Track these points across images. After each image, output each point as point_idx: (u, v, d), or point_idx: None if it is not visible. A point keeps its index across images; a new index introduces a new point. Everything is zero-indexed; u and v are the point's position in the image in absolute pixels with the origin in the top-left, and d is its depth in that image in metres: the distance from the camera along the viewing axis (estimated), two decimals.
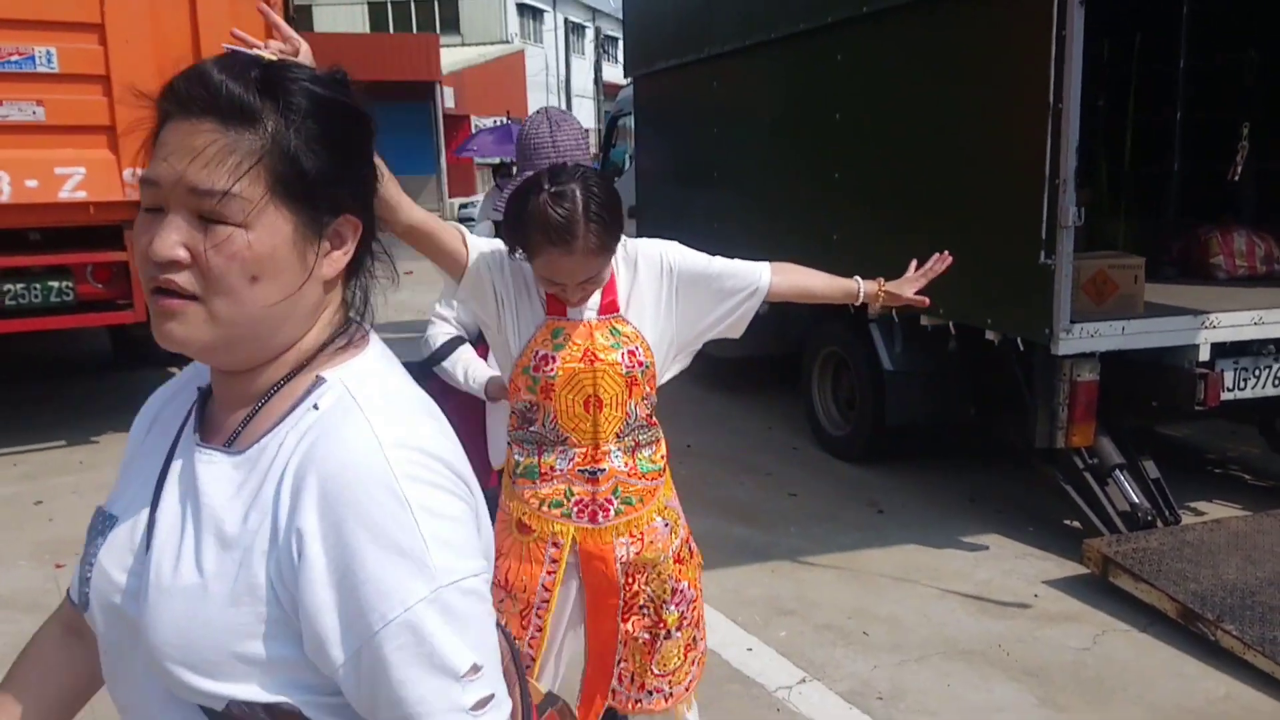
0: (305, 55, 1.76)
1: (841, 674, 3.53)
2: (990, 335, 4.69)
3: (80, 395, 7.64)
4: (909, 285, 2.39)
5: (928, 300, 2.42)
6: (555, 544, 2.13)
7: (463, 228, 2.12)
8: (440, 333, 2.93)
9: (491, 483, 2.69)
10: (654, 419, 2.21)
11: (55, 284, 6.02)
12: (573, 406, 2.07)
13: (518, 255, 2.06)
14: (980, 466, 5.71)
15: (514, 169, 2.69)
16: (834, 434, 6.14)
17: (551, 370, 2.05)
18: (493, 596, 2.15)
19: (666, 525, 2.23)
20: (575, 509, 2.12)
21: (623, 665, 2.23)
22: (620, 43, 11.35)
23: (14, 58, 5.80)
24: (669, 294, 2.17)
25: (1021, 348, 4.58)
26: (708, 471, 5.71)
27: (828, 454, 6.06)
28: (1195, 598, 3.74)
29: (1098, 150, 7.25)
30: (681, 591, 2.25)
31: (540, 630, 2.15)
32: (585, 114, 38.89)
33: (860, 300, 2.37)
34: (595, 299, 2.11)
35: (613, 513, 2.13)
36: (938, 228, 4.86)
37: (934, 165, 4.91)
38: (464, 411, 2.84)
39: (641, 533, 2.17)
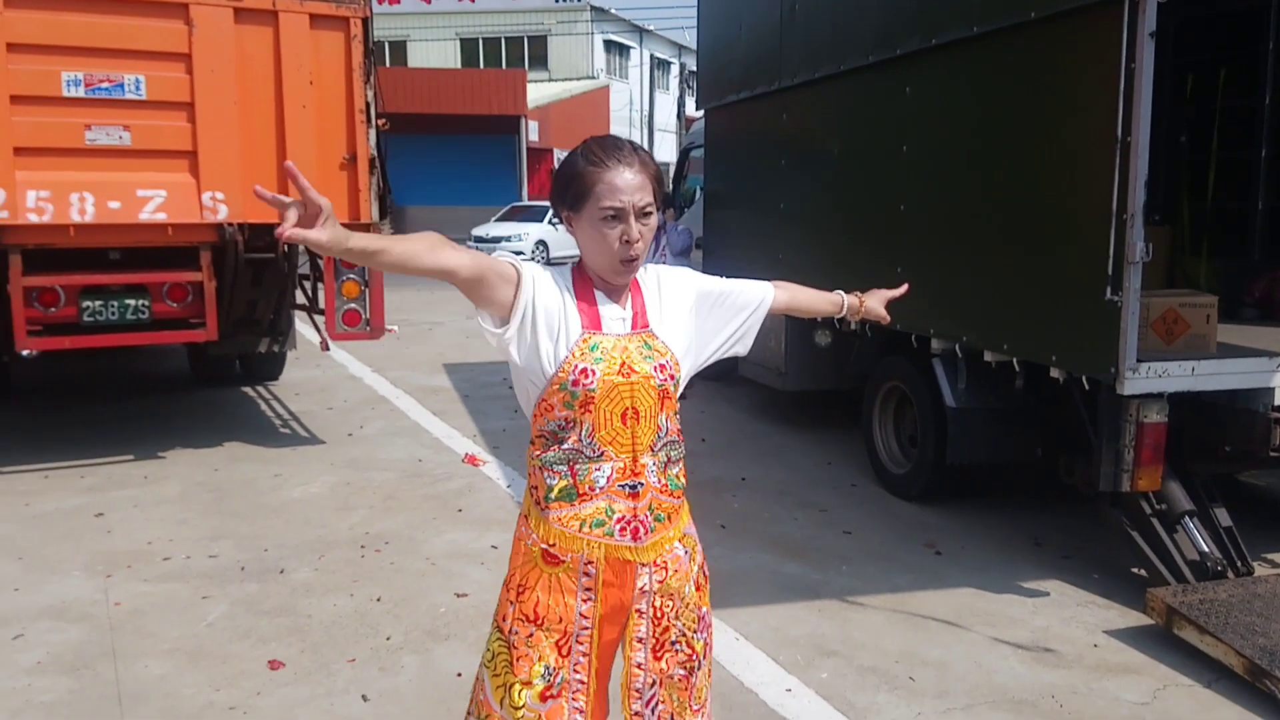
0: (328, 213, 1.73)
1: None
2: (1055, 373, 4.56)
3: (155, 412, 7.84)
4: (879, 304, 2.64)
5: (888, 317, 2.67)
6: (587, 572, 2.11)
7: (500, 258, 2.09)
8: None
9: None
10: (682, 433, 2.22)
11: (132, 302, 6.21)
12: (611, 419, 2.08)
13: (561, 225, 2.14)
14: (1045, 509, 5.52)
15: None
16: (894, 471, 6.00)
17: (591, 383, 2.05)
18: (521, 631, 2.11)
19: (686, 552, 2.22)
20: (618, 527, 2.10)
21: (661, 707, 2.20)
22: None
23: (105, 84, 6.03)
24: (690, 311, 2.25)
25: (1087, 386, 4.43)
26: (762, 506, 5.61)
27: (887, 492, 5.93)
28: (1264, 653, 3.54)
29: (1180, 188, 7.05)
30: (703, 617, 2.25)
31: (586, 655, 2.12)
32: (667, 148, 39.16)
33: (843, 312, 2.59)
34: (627, 314, 2.14)
35: (650, 529, 2.13)
36: (1003, 262, 4.76)
37: (1001, 199, 4.81)
38: None
39: (665, 560, 2.16)
